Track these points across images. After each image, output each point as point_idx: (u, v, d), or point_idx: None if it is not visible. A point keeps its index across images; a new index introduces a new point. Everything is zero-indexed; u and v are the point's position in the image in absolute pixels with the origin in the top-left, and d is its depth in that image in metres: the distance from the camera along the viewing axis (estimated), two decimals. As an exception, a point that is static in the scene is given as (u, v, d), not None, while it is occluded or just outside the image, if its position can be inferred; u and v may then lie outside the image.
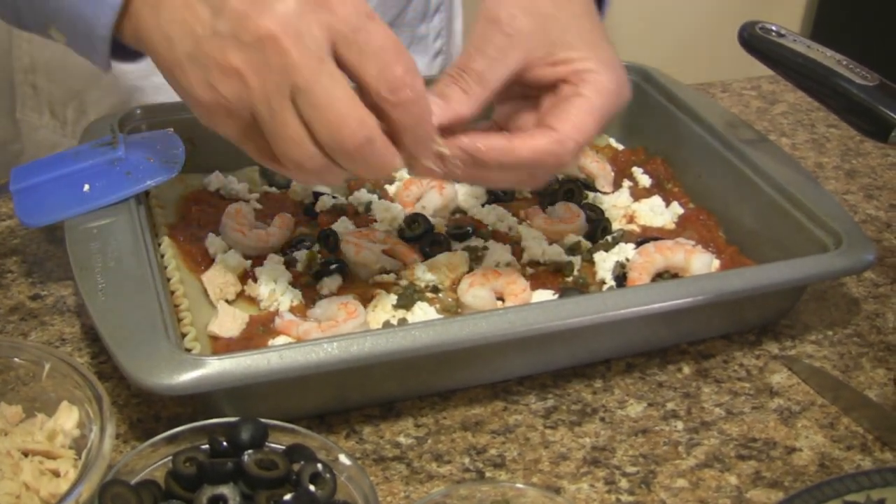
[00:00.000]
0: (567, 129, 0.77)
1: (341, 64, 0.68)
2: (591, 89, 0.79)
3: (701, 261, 0.89)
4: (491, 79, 0.79)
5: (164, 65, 0.73)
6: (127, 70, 1.04)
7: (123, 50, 0.78)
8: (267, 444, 0.66)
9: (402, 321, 0.83)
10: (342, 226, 0.93)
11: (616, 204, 1.00)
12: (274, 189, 0.99)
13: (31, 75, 1.08)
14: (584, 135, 0.78)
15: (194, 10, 0.70)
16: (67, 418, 0.69)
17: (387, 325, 0.82)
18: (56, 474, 0.66)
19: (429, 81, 1.07)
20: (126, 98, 1.06)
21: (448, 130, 0.77)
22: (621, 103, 0.82)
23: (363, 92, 0.69)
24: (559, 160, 0.78)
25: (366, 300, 0.84)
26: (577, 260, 0.91)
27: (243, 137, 0.72)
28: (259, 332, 0.81)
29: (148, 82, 1.06)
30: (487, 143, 0.77)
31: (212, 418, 0.67)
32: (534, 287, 0.87)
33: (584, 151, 0.85)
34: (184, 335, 0.78)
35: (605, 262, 0.90)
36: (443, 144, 0.76)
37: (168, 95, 1.04)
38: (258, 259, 0.88)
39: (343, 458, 0.66)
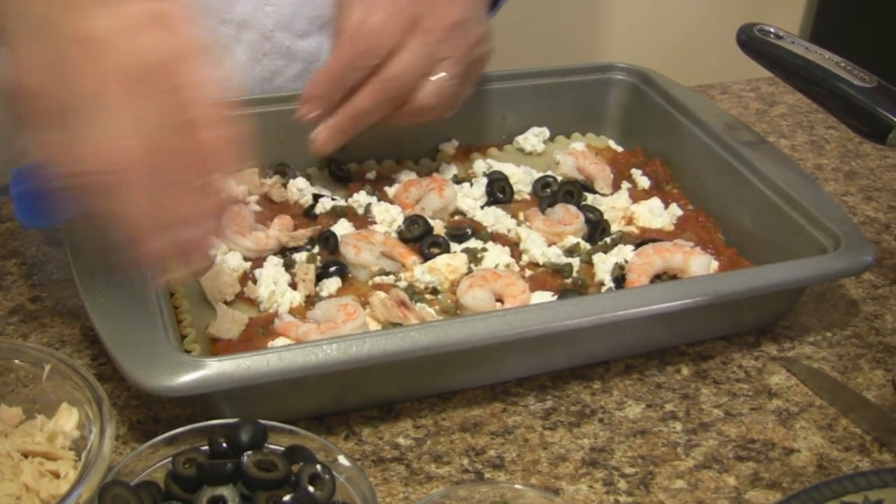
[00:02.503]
0: (353, 26, 0.88)
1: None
2: None
3: (699, 262, 0.89)
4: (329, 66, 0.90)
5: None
6: None
7: None
8: (266, 445, 0.66)
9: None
10: (341, 228, 0.93)
11: (615, 205, 1.00)
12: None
13: None
14: (368, 21, 0.87)
15: None
16: (67, 420, 0.69)
17: (386, 326, 0.83)
18: (56, 476, 0.66)
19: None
20: None
21: None
22: None
23: None
24: (360, 53, 0.87)
25: (365, 302, 0.85)
26: (575, 261, 0.92)
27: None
28: (259, 333, 0.81)
29: None
30: (307, 83, 0.90)
31: (211, 419, 0.67)
32: (533, 288, 0.87)
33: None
34: (183, 337, 0.79)
35: (603, 264, 0.90)
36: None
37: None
38: (258, 261, 0.89)
39: (342, 460, 0.66)
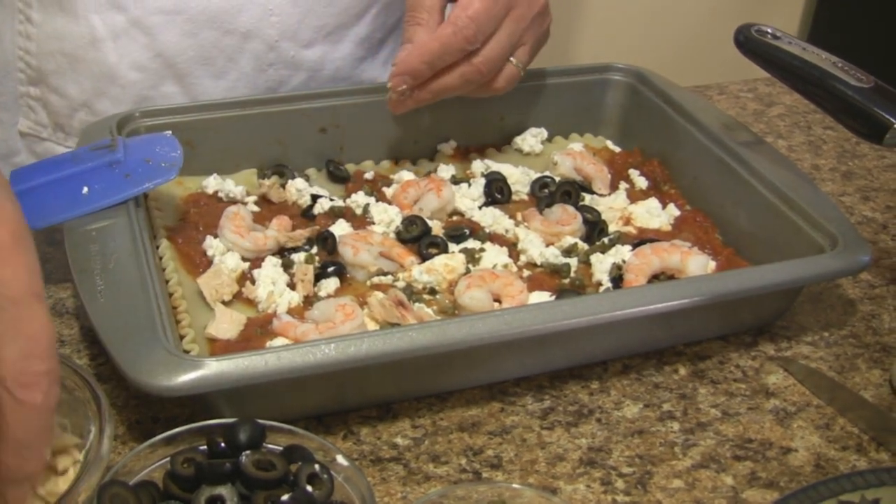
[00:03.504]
0: (455, 12, 0.92)
1: None
2: None
3: (697, 262, 0.89)
4: (433, 4, 0.95)
5: None
6: (136, 80, 1.04)
7: None
8: (265, 444, 0.66)
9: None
10: (340, 228, 0.93)
11: (613, 206, 1.00)
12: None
13: (35, 87, 1.08)
14: (472, 9, 0.91)
15: None
16: (67, 420, 0.69)
17: (384, 326, 0.83)
18: (55, 472, 0.66)
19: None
20: (135, 108, 1.05)
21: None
22: None
23: None
24: (465, 39, 0.92)
25: (363, 302, 0.85)
26: (573, 262, 0.92)
27: None
28: (257, 333, 0.81)
29: (157, 92, 1.06)
30: (403, 56, 0.93)
31: (210, 419, 0.67)
32: (531, 289, 0.87)
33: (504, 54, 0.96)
34: (182, 337, 0.79)
35: (601, 264, 0.91)
36: None
37: (176, 104, 1.05)
38: (256, 261, 0.89)
39: (340, 459, 0.66)
